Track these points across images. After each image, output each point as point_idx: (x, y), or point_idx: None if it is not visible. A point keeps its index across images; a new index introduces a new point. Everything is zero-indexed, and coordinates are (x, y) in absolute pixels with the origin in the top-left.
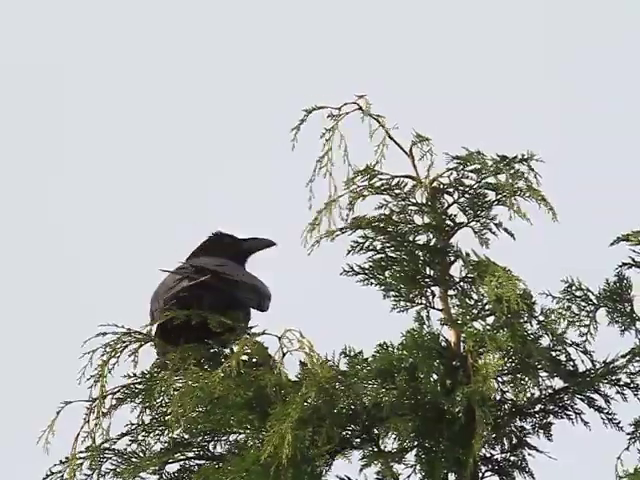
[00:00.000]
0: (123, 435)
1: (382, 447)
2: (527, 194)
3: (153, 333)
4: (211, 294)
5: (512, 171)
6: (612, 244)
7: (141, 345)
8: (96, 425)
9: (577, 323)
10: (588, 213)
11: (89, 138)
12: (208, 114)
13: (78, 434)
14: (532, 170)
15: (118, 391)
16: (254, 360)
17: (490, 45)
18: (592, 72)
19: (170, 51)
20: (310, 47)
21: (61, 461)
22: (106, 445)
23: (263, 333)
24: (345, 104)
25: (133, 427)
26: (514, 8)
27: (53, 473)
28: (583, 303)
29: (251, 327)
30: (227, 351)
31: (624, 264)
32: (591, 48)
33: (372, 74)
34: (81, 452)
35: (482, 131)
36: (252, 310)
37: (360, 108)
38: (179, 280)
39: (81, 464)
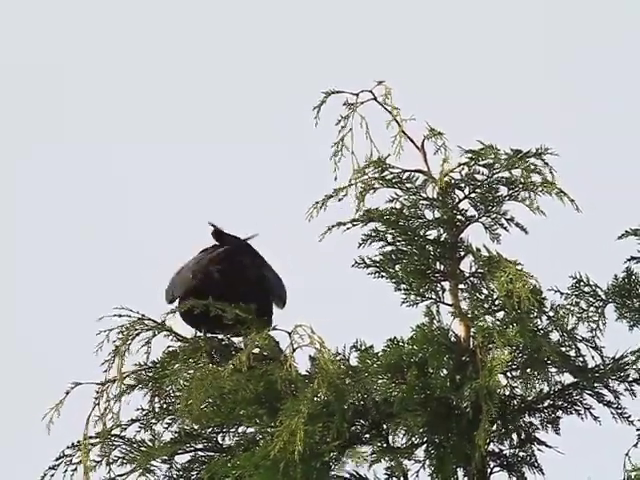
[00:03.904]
0: (133, 421)
1: (391, 443)
2: (541, 188)
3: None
4: (247, 264)
5: (526, 165)
6: (620, 237)
7: (154, 335)
8: (106, 409)
9: (585, 319)
10: (588, 212)
11: (88, 137)
12: (208, 112)
13: (89, 416)
14: (547, 164)
15: (127, 376)
16: (265, 354)
17: (490, 45)
18: (592, 72)
19: (171, 50)
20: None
21: (73, 444)
22: (116, 432)
23: (274, 329)
24: (362, 91)
25: (143, 413)
26: (514, 8)
27: (65, 455)
28: (591, 299)
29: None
30: (238, 342)
31: (632, 258)
32: (591, 48)
33: (372, 73)
34: (91, 437)
35: (481, 131)
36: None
37: (374, 98)
38: (211, 252)
39: (90, 450)
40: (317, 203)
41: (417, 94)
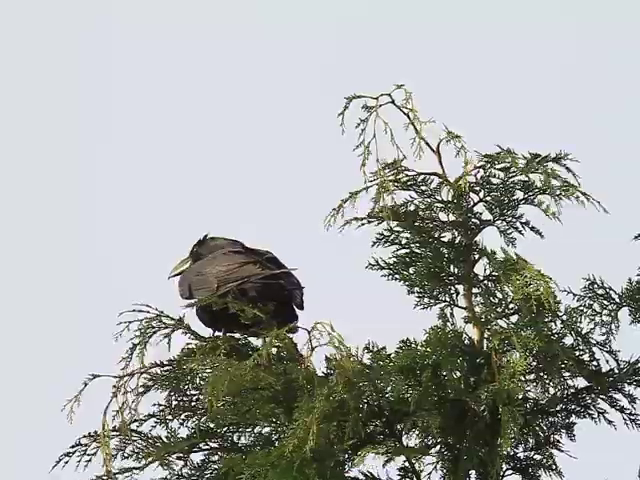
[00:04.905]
0: (150, 416)
1: (405, 443)
2: (559, 192)
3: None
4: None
5: (545, 169)
6: (637, 237)
7: (173, 331)
8: (124, 403)
9: (599, 322)
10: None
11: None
12: (207, 113)
13: (107, 408)
14: (569, 170)
15: (144, 371)
16: (282, 354)
17: (490, 45)
18: (593, 71)
19: (171, 50)
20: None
21: (90, 434)
22: (133, 426)
23: (293, 327)
24: (382, 94)
25: (160, 409)
26: (514, 8)
27: (80, 444)
28: (605, 302)
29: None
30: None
31: None
32: (591, 48)
33: (380, 76)
34: (109, 430)
35: (481, 130)
36: None
37: (392, 102)
38: (244, 262)
39: (108, 441)
40: (334, 210)
41: (424, 96)
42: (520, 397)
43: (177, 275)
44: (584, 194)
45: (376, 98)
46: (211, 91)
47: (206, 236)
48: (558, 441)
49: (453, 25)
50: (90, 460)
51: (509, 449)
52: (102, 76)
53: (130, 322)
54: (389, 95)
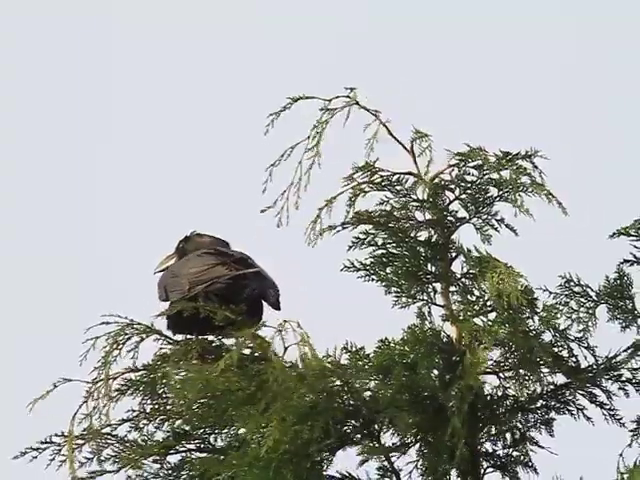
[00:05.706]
0: (124, 421)
1: (383, 442)
2: (531, 190)
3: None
4: (250, 287)
5: (515, 167)
6: (612, 236)
7: (142, 339)
8: (94, 408)
9: (576, 319)
10: (582, 211)
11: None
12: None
13: (75, 413)
14: (536, 167)
15: (118, 377)
16: (256, 354)
17: (490, 45)
18: (593, 71)
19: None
20: (303, 42)
21: (63, 433)
22: (107, 430)
23: (263, 325)
24: (337, 97)
25: (134, 414)
26: (514, 8)
27: (52, 443)
28: (582, 299)
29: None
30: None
31: (626, 261)
32: (591, 48)
33: (365, 70)
34: (82, 433)
35: (481, 131)
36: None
37: (357, 102)
38: (215, 264)
39: (82, 444)
40: (312, 222)
41: (415, 92)
42: (499, 394)
43: (163, 271)
44: (549, 193)
45: (329, 100)
46: (210, 91)
47: (193, 232)
48: (533, 438)
49: (453, 25)
50: (65, 461)
51: (489, 446)
52: (102, 76)
53: (97, 337)
54: (349, 97)
